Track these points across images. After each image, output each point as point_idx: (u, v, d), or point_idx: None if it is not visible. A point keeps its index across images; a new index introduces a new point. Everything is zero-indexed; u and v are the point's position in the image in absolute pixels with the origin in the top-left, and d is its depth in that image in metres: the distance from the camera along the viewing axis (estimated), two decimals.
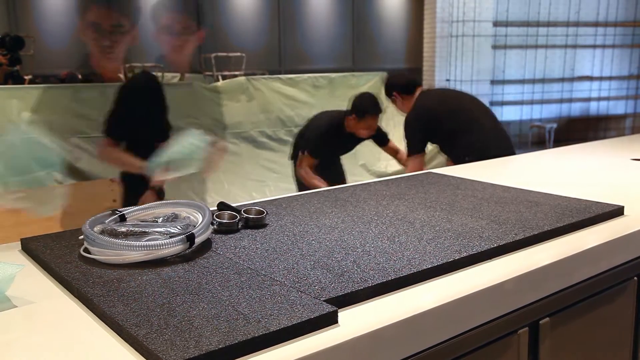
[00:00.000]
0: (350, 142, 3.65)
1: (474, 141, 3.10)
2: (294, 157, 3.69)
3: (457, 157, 3.09)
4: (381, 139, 3.81)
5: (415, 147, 3.20)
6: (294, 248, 1.25)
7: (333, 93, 6.14)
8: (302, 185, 3.60)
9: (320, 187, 3.41)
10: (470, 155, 3.11)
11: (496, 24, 9.21)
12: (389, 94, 3.42)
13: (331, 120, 3.57)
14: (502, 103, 9.63)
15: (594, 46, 10.19)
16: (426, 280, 1.10)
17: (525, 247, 1.29)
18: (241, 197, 5.25)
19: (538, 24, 9.65)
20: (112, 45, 1.88)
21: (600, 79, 10.39)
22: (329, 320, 0.92)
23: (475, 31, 8.71)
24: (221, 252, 1.22)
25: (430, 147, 3.46)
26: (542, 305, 1.22)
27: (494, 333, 1.13)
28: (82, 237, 1.24)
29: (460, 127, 3.14)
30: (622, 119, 10.67)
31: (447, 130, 3.15)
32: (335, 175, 3.59)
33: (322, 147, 3.50)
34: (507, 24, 9.42)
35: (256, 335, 0.84)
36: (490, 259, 1.22)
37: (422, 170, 3.03)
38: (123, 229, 1.22)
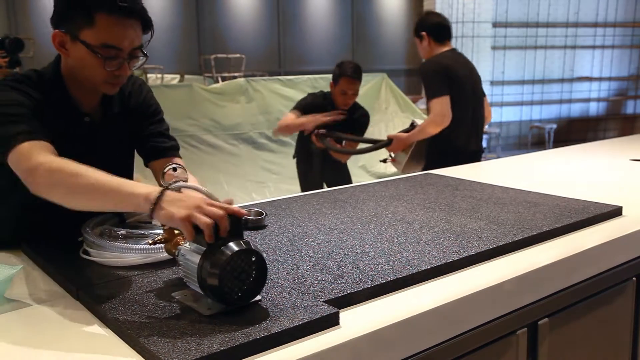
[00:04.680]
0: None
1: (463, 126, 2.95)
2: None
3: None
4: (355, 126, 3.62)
5: (438, 88, 2.91)
6: (293, 249, 1.25)
7: None
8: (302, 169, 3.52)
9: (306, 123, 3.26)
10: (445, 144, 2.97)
11: (495, 24, 9.22)
12: (417, 32, 3.11)
13: (317, 95, 3.49)
14: (502, 104, 9.64)
15: (594, 47, 10.19)
16: (425, 281, 1.11)
17: (524, 247, 1.29)
18: (241, 198, 5.25)
19: (537, 25, 9.66)
20: None
21: (600, 79, 10.40)
22: (331, 321, 0.92)
23: (475, 32, 8.72)
24: None
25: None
26: (541, 305, 1.23)
27: (493, 334, 1.14)
28: (81, 239, 1.24)
29: (462, 100, 2.96)
30: (621, 119, 10.67)
31: (458, 87, 2.95)
32: (340, 177, 3.54)
33: (307, 106, 3.40)
34: (506, 24, 9.42)
35: (258, 337, 0.84)
36: (489, 259, 1.22)
37: (448, 114, 2.86)
38: (123, 232, 1.23)
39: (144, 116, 1.47)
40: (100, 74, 1.25)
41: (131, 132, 1.46)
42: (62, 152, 1.18)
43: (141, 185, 1.03)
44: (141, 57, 1.29)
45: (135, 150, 1.51)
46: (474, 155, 3.00)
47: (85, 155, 1.23)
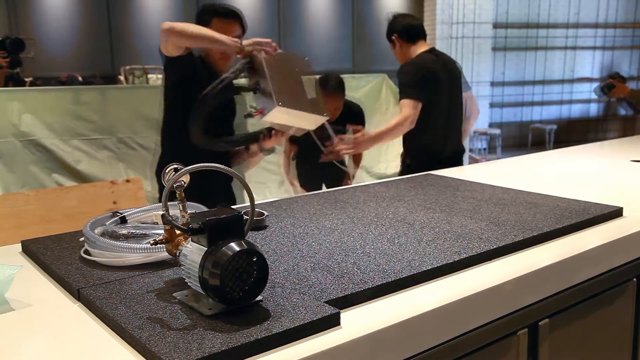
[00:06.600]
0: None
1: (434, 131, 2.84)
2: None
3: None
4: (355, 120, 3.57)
5: (412, 91, 2.78)
6: (294, 250, 1.25)
7: None
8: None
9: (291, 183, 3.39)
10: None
11: (496, 25, 9.22)
12: (388, 36, 3.00)
13: None
14: (502, 104, 9.65)
15: (594, 47, 10.20)
16: (426, 281, 1.11)
17: (525, 248, 1.29)
18: (241, 198, 5.24)
19: (538, 26, 9.67)
20: None
21: (600, 80, 10.40)
22: (332, 322, 0.92)
23: (475, 33, 8.72)
24: None
25: None
26: (541, 306, 1.23)
27: (494, 334, 1.14)
28: (82, 239, 1.24)
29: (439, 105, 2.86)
30: (622, 120, 10.68)
31: (433, 92, 2.84)
32: (339, 178, 3.53)
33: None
34: (507, 25, 9.43)
35: (259, 337, 0.84)
36: (490, 260, 1.22)
37: (414, 118, 2.74)
38: (124, 231, 1.23)
39: None
40: None
41: None
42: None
43: None
44: None
45: None
46: (454, 158, 2.91)
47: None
